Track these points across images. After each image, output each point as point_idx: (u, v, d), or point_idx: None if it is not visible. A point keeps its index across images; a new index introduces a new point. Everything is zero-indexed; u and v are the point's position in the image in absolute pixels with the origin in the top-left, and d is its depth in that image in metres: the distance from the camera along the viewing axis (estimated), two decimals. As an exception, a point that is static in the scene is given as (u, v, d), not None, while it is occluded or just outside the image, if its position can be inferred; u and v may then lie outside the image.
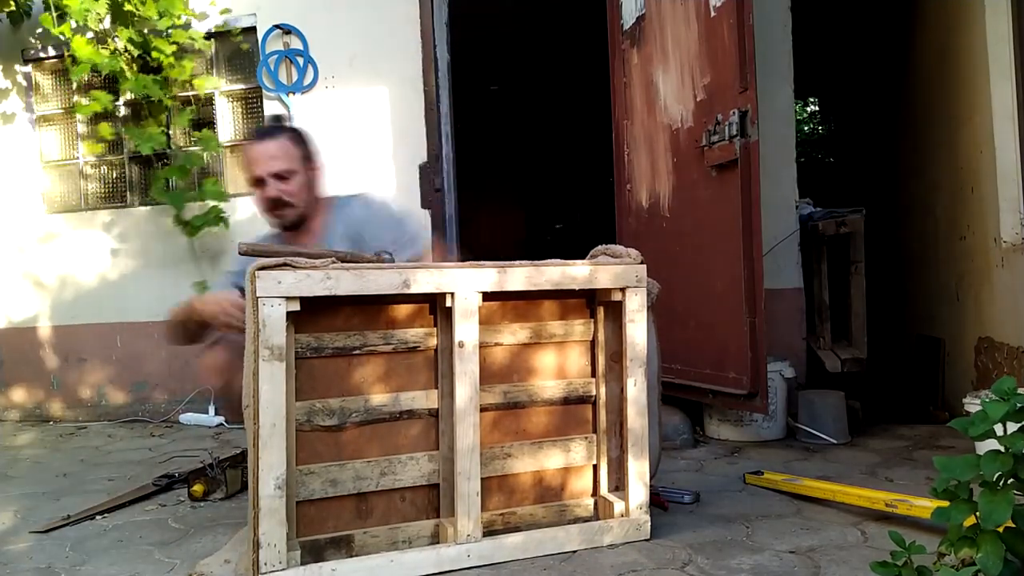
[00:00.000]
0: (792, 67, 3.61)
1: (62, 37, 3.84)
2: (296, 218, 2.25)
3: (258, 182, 2.22)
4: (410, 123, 3.94)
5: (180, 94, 4.10)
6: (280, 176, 2.21)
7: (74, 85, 4.24)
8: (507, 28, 6.25)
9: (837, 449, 2.91)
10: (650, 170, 3.36)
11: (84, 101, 4.08)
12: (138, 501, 2.52)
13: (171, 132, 4.17)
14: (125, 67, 3.90)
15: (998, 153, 3.06)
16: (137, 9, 3.82)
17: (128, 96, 4.15)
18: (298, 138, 2.28)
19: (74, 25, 3.85)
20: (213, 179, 4.11)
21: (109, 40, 3.94)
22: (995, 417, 1.13)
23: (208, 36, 4.11)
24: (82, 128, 4.36)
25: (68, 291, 4.34)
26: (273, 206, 2.22)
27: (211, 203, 3.99)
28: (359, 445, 1.76)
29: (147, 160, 4.19)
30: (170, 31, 3.91)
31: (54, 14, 3.81)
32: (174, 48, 3.91)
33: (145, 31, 3.91)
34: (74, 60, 3.87)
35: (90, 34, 3.95)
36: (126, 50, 3.90)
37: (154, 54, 3.90)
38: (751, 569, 1.72)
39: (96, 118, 4.15)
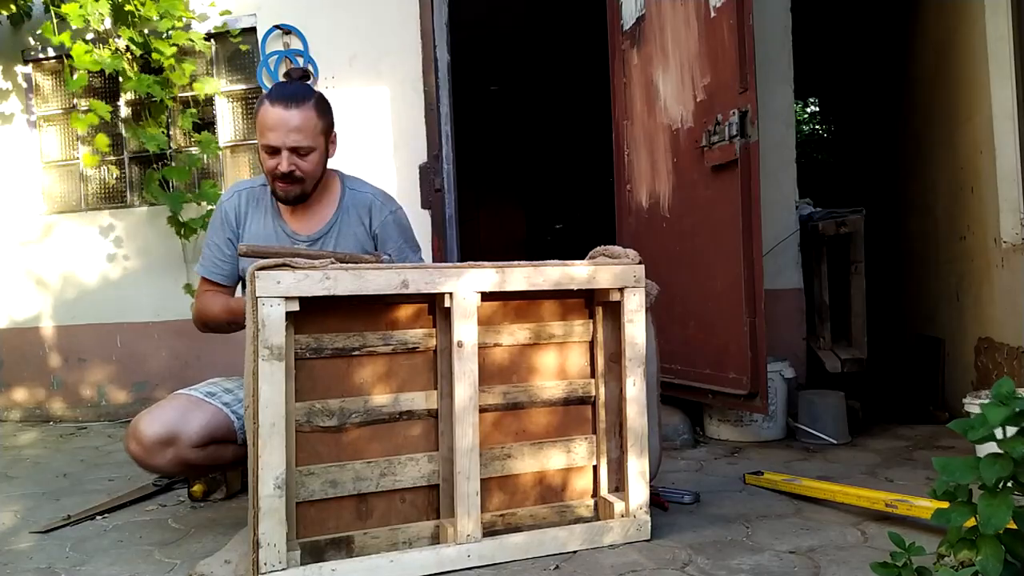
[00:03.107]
0: (792, 67, 3.61)
1: (64, 45, 3.86)
2: (301, 194, 2.15)
3: (272, 151, 2.08)
4: (410, 123, 3.94)
5: (181, 95, 4.10)
6: (298, 151, 2.08)
7: (74, 89, 4.23)
8: (507, 28, 6.25)
9: (837, 449, 2.91)
10: (650, 170, 3.36)
11: (81, 112, 4.09)
12: (138, 501, 2.52)
13: (171, 133, 4.17)
14: (127, 67, 3.90)
15: (998, 153, 3.06)
16: (138, 10, 3.82)
17: (130, 96, 4.16)
18: (322, 106, 2.13)
19: (74, 28, 3.85)
20: (211, 182, 4.11)
21: (111, 40, 3.94)
22: (994, 421, 1.13)
23: (208, 37, 4.11)
24: (82, 132, 4.35)
25: (68, 291, 4.35)
26: (282, 178, 2.10)
27: (208, 207, 4.00)
28: (359, 446, 1.76)
29: (147, 160, 4.19)
30: (170, 32, 3.91)
31: (54, 21, 3.83)
32: (174, 50, 3.91)
33: (146, 31, 3.91)
34: (72, 71, 3.88)
35: (90, 35, 3.96)
36: (128, 50, 3.91)
37: (154, 56, 3.91)
38: (751, 569, 1.72)
39: (94, 129, 4.13)
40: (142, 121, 4.08)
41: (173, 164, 4.11)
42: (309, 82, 2.26)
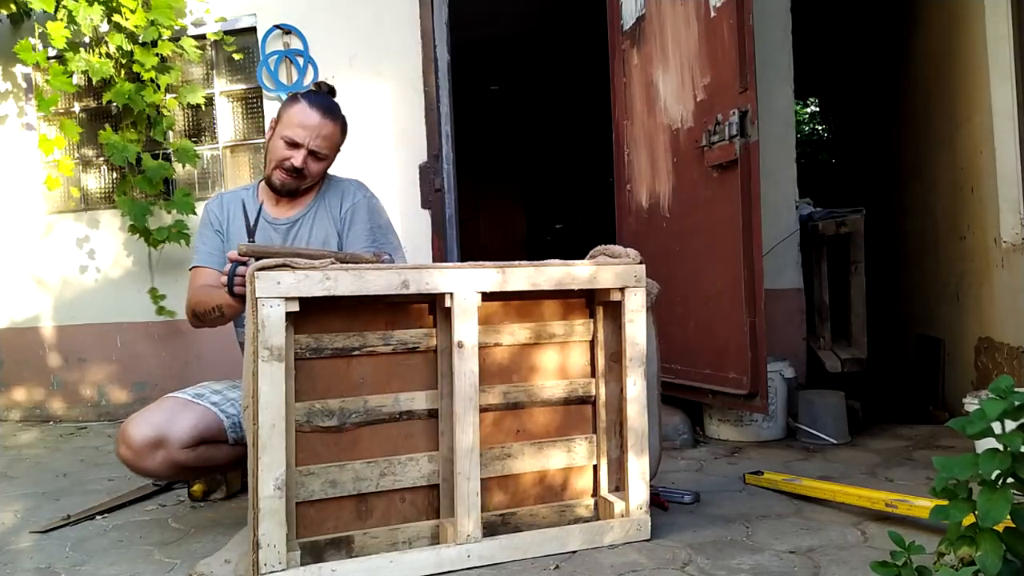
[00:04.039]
0: (792, 67, 3.61)
1: (62, 45, 3.86)
2: (295, 189, 2.29)
3: (293, 145, 2.22)
4: (410, 123, 3.94)
5: (169, 98, 4.08)
6: (316, 155, 2.24)
7: (44, 111, 4.17)
8: (507, 28, 6.26)
9: (837, 449, 2.91)
10: (650, 170, 3.36)
11: (49, 134, 4.11)
12: (138, 501, 2.52)
13: (163, 138, 4.14)
14: (114, 73, 3.90)
15: (998, 153, 3.06)
16: (126, 19, 3.82)
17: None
18: (345, 129, 2.34)
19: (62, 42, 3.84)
20: (184, 190, 4.11)
21: (101, 45, 3.94)
22: (992, 415, 1.13)
23: (201, 37, 4.10)
24: (46, 157, 4.31)
25: (68, 291, 4.35)
26: (290, 171, 2.24)
27: (177, 217, 4.03)
28: (359, 446, 1.76)
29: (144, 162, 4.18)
30: (156, 42, 3.91)
31: (37, 34, 3.85)
32: (156, 60, 3.91)
33: (139, 38, 3.90)
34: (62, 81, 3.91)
35: (86, 39, 3.96)
36: (118, 55, 3.91)
37: (135, 67, 3.91)
38: (751, 569, 1.72)
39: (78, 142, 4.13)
40: (122, 127, 4.06)
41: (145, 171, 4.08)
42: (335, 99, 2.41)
